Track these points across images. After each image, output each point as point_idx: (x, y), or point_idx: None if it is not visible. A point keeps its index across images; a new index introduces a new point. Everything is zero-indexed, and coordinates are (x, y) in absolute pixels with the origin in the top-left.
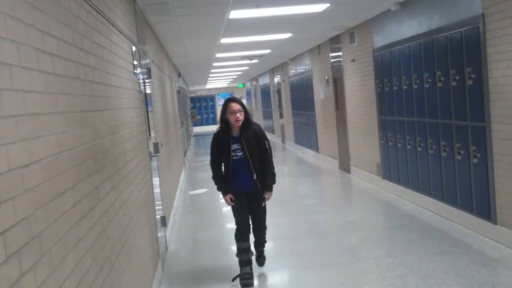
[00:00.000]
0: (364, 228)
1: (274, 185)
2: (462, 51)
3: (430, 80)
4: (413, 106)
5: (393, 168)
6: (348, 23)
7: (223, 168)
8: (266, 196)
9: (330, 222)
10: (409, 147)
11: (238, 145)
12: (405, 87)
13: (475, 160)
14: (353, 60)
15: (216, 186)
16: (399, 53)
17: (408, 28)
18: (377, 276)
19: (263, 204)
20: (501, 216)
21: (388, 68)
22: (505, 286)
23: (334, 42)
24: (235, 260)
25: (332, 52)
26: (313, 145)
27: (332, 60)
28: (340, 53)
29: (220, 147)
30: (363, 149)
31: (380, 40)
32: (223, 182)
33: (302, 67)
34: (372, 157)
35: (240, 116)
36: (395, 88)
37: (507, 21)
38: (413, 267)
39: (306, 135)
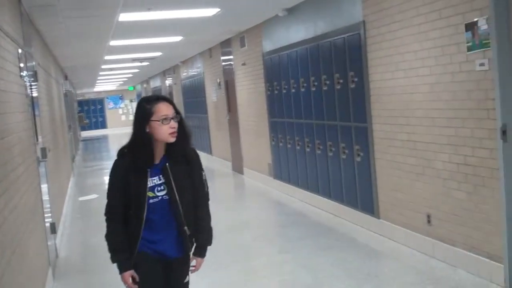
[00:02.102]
0: (256, 227)
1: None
2: (345, 56)
3: (316, 83)
4: (301, 108)
5: (284, 168)
6: (238, 28)
7: (126, 220)
8: (195, 266)
9: (223, 222)
10: (298, 147)
11: (161, 179)
12: (293, 90)
13: (358, 159)
14: (243, 64)
15: (109, 252)
16: (287, 57)
17: (295, 33)
18: (269, 272)
19: (187, 280)
20: (383, 211)
21: (277, 71)
22: (387, 275)
23: (225, 45)
24: None
25: (223, 55)
26: (206, 148)
27: (224, 63)
28: (231, 57)
29: (127, 181)
30: (255, 151)
31: (269, 45)
32: (122, 246)
33: (194, 70)
34: (264, 158)
35: (175, 127)
36: (284, 91)
37: (385, 28)
38: (303, 262)
39: (199, 138)
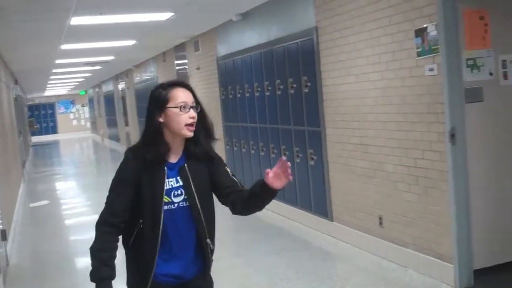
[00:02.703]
0: None
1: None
2: (298, 61)
3: (270, 88)
4: (255, 112)
5: (238, 173)
6: (192, 32)
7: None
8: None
9: None
10: (252, 151)
11: (178, 181)
12: (247, 95)
13: (312, 163)
14: (198, 68)
15: (92, 267)
16: (241, 62)
17: (249, 38)
18: (223, 276)
19: None
20: (336, 213)
21: (232, 76)
22: (340, 277)
23: (179, 49)
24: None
25: (177, 59)
26: None
27: (178, 68)
28: (186, 61)
29: (138, 184)
30: None
31: (223, 49)
32: (111, 263)
33: (147, 74)
34: None
35: (195, 118)
36: (239, 95)
37: (337, 33)
38: (257, 266)
39: None
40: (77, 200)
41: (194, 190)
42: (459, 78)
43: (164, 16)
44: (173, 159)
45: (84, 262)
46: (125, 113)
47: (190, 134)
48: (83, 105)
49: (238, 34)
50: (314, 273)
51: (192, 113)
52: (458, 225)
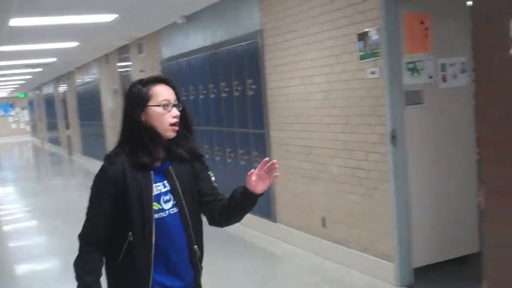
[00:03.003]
0: None
1: None
2: (243, 63)
3: (215, 90)
4: (200, 115)
5: None
6: (137, 34)
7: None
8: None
9: None
10: None
11: (165, 185)
12: (192, 97)
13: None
14: (142, 71)
15: (77, 279)
16: (186, 64)
17: (194, 40)
18: None
19: None
20: (280, 215)
21: (176, 78)
22: (284, 277)
23: (122, 52)
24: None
25: (120, 61)
26: (102, 157)
27: (120, 70)
28: (129, 63)
29: (123, 193)
30: None
31: (168, 51)
32: (97, 269)
33: (89, 77)
34: None
35: (177, 117)
36: (183, 98)
37: (282, 37)
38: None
39: (95, 146)
40: (16, 206)
41: (181, 194)
42: (400, 81)
43: (108, 17)
44: (156, 162)
45: (23, 269)
46: (66, 116)
47: (173, 134)
48: (22, 108)
49: (183, 37)
50: (258, 275)
51: (175, 111)
52: (398, 225)
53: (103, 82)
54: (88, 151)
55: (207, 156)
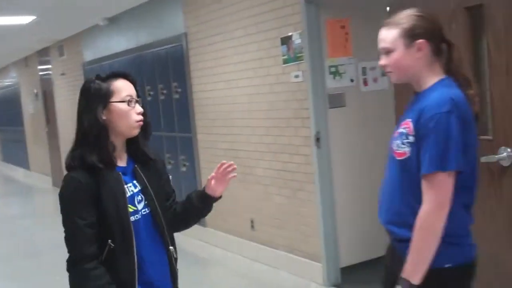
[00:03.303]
0: None
1: None
2: (168, 66)
3: (140, 94)
4: None
5: None
6: (57, 36)
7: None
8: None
9: (44, 241)
10: None
11: (136, 185)
12: None
13: (184, 169)
14: (63, 74)
15: None
16: (109, 67)
17: (117, 43)
18: None
19: None
20: (209, 219)
21: None
22: (213, 281)
23: (43, 54)
24: None
25: (40, 64)
26: (23, 162)
27: (41, 73)
28: (50, 66)
29: (97, 198)
30: None
31: (90, 54)
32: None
33: (8, 80)
34: None
35: (141, 113)
36: None
37: (207, 40)
38: None
39: (15, 152)
40: None
41: (152, 194)
42: (323, 85)
43: (26, 19)
44: (121, 162)
45: None
46: None
47: (137, 131)
48: None
49: (106, 39)
50: (187, 280)
51: (139, 108)
52: (324, 225)
53: (23, 86)
54: (8, 158)
55: None
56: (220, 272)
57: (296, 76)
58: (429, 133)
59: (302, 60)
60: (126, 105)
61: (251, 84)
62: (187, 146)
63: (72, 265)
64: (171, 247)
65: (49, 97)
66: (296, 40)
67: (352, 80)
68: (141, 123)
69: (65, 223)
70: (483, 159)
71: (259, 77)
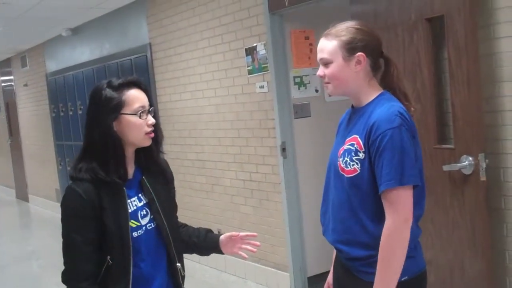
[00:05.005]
0: (45, 256)
1: None
2: None
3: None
4: None
5: None
6: (19, 47)
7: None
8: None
9: (7, 254)
10: None
11: (141, 199)
12: (80, 112)
13: None
14: (25, 85)
15: None
16: (72, 78)
17: (80, 53)
18: None
19: None
20: None
21: (63, 92)
22: None
23: (4, 65)
24: None
25: (2, 75)
26: None
27: (4, 84)
28: (12, 77)
29: (99, 214)
30: (41, 176)
31: (53, 65)
32: None
33: None
34: (51, 183)
35: (153, 124)
36: (71, 112)
37: (171, 51)
38: None
39: None
40: None
41: (159, 206)
42: (288, 95)
43: None
44: (129, 174)
45: None
46: None
47: (149, 142)
48: None
49: (69, 50)
50: None
51: (151, 119)
52: (291, 235)
53: None
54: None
55: None
56: (188, 283)
57: (261, 87)
58: (384, 149)
59: (267, 70)
60: (137, 118)
61: (216, 95)
62: None
63: (65, 280)
64: (178, 264)
65: (12, 109)
66: (261, 50)
67: (317, 90)
68: (152, 134)
69: (63, 234)
70: (446, 168)
71: (224, 87)
